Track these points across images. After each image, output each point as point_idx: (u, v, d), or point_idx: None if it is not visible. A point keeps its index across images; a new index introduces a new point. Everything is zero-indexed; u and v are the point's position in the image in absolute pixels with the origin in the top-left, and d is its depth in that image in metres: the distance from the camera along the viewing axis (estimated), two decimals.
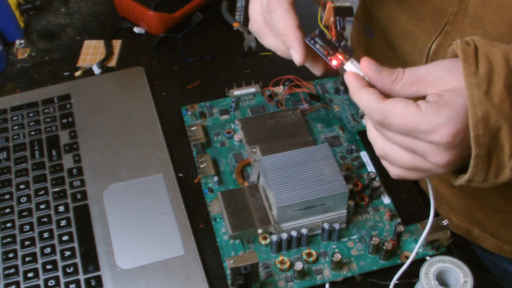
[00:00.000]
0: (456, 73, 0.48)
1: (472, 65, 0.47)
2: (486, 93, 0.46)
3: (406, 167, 0.53)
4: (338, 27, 0.57)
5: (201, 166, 0.73)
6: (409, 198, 0.72)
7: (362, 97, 0.51)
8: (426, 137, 0.48)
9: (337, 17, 0.57)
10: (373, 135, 0.53)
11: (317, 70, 0.61)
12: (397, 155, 0.52)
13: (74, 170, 0.76)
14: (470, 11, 0.61)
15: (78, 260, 0.67)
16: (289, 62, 0.89)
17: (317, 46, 0.57)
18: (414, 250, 0.63)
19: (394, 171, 0.54)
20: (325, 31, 0.58)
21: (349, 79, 0.52)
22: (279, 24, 0.57)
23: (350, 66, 0.54)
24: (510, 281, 0.84)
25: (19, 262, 0.67)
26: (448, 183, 0.75)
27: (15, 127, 0.81)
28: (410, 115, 0.48)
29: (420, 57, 0.66)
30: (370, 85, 0.52)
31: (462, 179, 0.51)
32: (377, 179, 0.71)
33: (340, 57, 0.56)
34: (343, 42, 0.57)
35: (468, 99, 0.47)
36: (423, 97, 0.50)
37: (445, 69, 0.49)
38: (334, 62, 0.56)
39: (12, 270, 0.67)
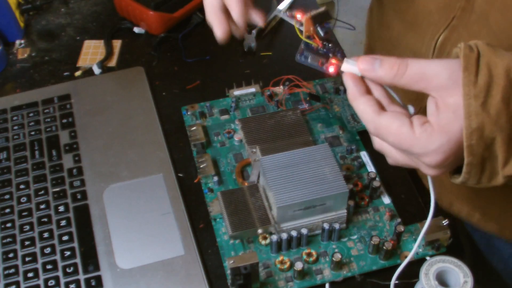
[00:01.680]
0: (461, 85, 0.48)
1: (472, 74, 0.47)
2: (483, 104, 0.46)
3: (402, 164, 0.54)
4: (320, 33, 0.59)
5: (201, 166, 0.73)
6: (409, 198, 0.73)
7: (359, 107, 0.52)
8: (418, 157, 0.50)
9: (316, 25, 0.59)
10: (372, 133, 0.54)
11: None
12: (393, 155, 0.54)
13: (74, 170, 0.76)
14: (477, 8, 0.62)
15: (78, 260, 0.67)
16: (289, 62, 0.89)
17: (309, 60, 0.59)
18: (413, 249, 0.63)
19: (391, 162, 0.56)
20: (309, 41, 0.59)
21: (347, 84, 0.53)
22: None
23: (346, 66, 0.54)
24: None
25: (19, 262, 0.67)
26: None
27: (15, 127, 0.81)
28: (404, 137, 0.50)
29: (426, 50, 0.67)
30: (369, 90, 0.53)
31: (457, 180, 0.52)
32: (377, 179, 0.71)
33: (334, 61, 0.57)
34: (330, 45, 0.58)
35: (464, 109, 0.47)
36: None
37: (453, 79, 0.48)
38: (331, 69, 0.57)
39: (12, 270, 0.67)
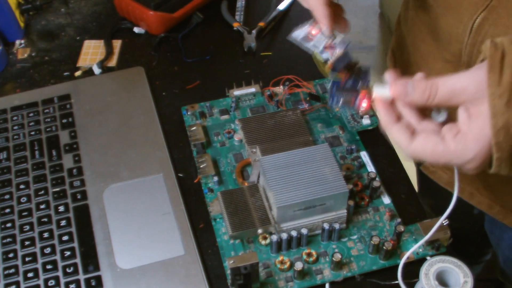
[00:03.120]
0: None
1: (497, 74, 0.48)
2: (508, 103, 0.48)
3: (439, 164, 0.56)
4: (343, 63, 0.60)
5: (201, 166, 0.73)
6: (409, 198, 0.72)
7: (393, 135, 0.54)
8: (457, 166, 0.53)
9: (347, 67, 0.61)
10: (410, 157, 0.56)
11: (342, 29, 0.67)
12: (431, 160, 0.55)
13: (74, 170, 0.76)
14: None
15: (78, 260, 0.67)
16: (289, 62, 0.89)
17: (341, 103, 0.60)
18: (416, 245, 0.63)
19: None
20: (335, 77, 0.60)
21: (379, 112, 0.55)
22: (310, 1, 0.64)
23: (377, 92, 0.55)
24: None
25: (19, 262, 0.67)
26: None
27: (15, 127, 0.81)
28: (440, 155, 0.52)
29: (464, 31, 0.67)
30: (399, 115, 0.54)
31: (489, 171, 0.53)
32: (377, 179, 0.71)
33: (362, 95, 0.59)
34: (355, 73, 0.60)
35: (489, 109, 0.49)
36: None
37: (481, 89, 0.50)
38: (364, 105, 0.59)
39: (12, 270, 0.67)
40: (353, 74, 0.60)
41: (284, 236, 0.65)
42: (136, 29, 0.95)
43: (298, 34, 0.65)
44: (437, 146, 0.52)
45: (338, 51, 0.61)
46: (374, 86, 0.55)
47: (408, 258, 0.65)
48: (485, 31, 0.63)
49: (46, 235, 0.69)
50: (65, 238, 0.69)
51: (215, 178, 0.72)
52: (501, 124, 0.48)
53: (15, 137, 0.80)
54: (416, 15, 0.78)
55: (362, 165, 0.74)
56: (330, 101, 0.61)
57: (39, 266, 0.67)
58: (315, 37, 0.65)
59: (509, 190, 0.75)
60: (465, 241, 0.77)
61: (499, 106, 0.48)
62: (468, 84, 0.51)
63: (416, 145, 0.53)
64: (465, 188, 0.79)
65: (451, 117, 0.53)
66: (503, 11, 0.61)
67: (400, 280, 0.63)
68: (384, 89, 0.54)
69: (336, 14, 0.65)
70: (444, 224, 0.65)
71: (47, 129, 0.80)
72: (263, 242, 0.67)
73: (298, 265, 0.63)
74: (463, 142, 0.51)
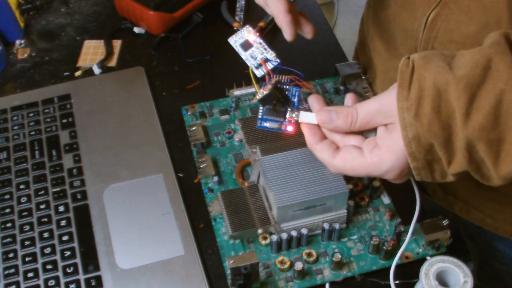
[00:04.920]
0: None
1: (405, 90, 0.52)
2: (416, 115, 0.51)
3: (361, 176, 0.59)
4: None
5: (201, 166, 0.73)
6: (409, 198, 0.72)
7: (317, 154, 0.59)
8: (378, 177, 0.57)
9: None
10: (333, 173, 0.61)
11: (307, 34, 0.68)
12: (353, 173, 0.58)
13: (74, 170, 0.76)
14: None
15: (78, 260, 0.67)
16: (289, 63, 0.89)
17: (268, 125, 0.63)
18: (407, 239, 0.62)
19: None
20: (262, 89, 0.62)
21: (304, 133, 0.60)
22: (272, 9, 0.64)
23: (303, 118, 0.60)
24: (500, 260, 0.86)
25: (19, 262, 0.67)
26: None
27: (15, 127, 0.81)
28: (359, 168, 0.56)
29: (418, 27, 0.68)
30: (324, 136, 0.60)
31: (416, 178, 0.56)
32: (377, 179, 0.71)
33: (289, 120, 0.62)
34: (284, 100, 0.62)
35: (399, 122, 0.52)
36: None
37: (393, 109, 0.54)
38: (289, 129, 0.63)
39: (12, 270, 0.67)
40: (282, 100, 0.62)
41: (284, 236, 0.65)
42: (136, 29, 0.95)
43: (237, 39, 0.66)
44: (355, 159, 0.56)
45: (266, 89, 0.62)
46: (301, 113, 0.60)
47: (407, 259, 0.65)
48: (438, 26, 0.65)
49: (46, 235, 0.70)
50: (65, 238, 0.69)
51: (215, 178, 0.72)
52: (411, 136, 0.51)
53: (15, 137, 0.80)
54: (375, 13, 0.80)
55: None
56: (258, 123, 0.63)
57: (39, 266, 0.67)
58: (252, 45, 0.66)
59: (469, 187, 0.76)
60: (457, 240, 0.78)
61: (408, 119, 0.51)
62: (381, 105, 0.55)
63: (337, 161, 0.57)
64: (427, 186, 0.81)
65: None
66: (455, 7, 0.63)
67: (391, 281, 0.63)
68: (310, 117, 0.59)
69: (299, 19, 0.66)
70: (444, 224, 0.65)
71: (47, 129, 0.80)
72: (263, 242, 0.67)
73: (298, 265, 0.63)
74: (378, 155, 0.55)
